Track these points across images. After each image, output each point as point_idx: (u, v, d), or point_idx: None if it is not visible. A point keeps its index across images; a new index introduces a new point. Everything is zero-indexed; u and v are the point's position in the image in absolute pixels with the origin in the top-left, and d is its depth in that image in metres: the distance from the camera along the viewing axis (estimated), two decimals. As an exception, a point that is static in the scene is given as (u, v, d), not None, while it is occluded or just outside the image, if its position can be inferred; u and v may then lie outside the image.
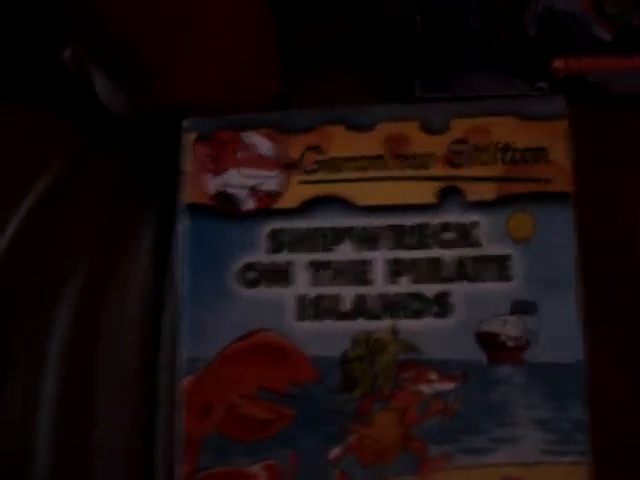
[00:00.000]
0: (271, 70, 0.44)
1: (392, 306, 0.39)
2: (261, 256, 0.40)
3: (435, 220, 0.39)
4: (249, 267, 0.40)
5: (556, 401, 0.37)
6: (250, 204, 0.40)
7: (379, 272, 0.39)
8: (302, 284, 0.40)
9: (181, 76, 0.41)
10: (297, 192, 0.40)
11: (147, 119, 0.43)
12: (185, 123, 0.41)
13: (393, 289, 0.39)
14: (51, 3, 0.41)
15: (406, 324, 0.39)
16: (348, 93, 0.42)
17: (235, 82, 0.42)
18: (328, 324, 0.39)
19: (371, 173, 0.40)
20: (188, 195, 0.41)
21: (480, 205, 0.39)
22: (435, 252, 0.39)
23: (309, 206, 0.40)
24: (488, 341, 0.38)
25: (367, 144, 0.40)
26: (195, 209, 0.41)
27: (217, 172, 0.41)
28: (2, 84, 0.47)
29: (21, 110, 0.47)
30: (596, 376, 0.38)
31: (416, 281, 0.39)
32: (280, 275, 0.40)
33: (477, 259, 0.39)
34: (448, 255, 0.39)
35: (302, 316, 0.39)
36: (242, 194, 0.41)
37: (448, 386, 0.38)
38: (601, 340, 0.38)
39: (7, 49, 0.46)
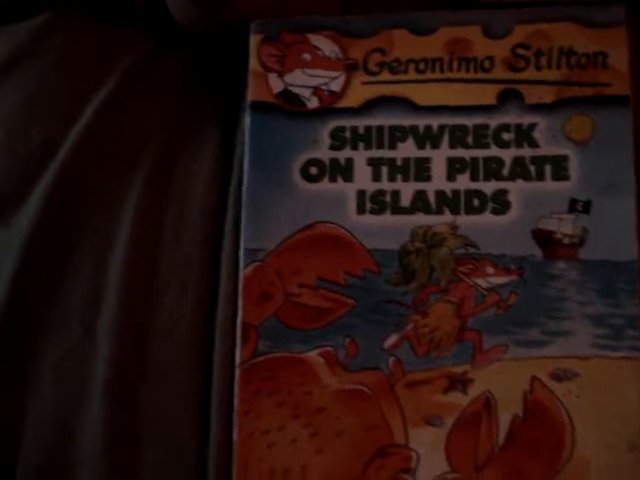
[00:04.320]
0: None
1: (451, 202, 0.36)
2: (323, 152, 0.37)
3: (494, 121, 0.37)
4: (311, 163, 0.37)
5: (609, 297, 0.35)
6: (313, 103, 0.38)
7: (439, 169, 0.37)
8: (363, 179, 0.37)
9: None
10: (360, 92, 0.38)
11: (218, 29, 0.41)
12: (252, 25, 0.39)
13: (452, 186, 0.36)
14: None
15: (464, 220, 0.36)
16: (409, 5, 0.40)
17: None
18: (387, 218, 0.36)
19: (433, 75, 0.37)
20: (253, 94, 0.38)
21: (539, 107, 0.36)
22: (494, 151, 0.36)
23: (371, 106, 0.37)
24: (544, 238, 0.36)
25: (429, 47, 0.37)
26: (260, 107, 0.38)
27: (282, 72, 0.38)
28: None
29: (92, 20, 0.45)
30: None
31: (475, 179, 0.37)
32: (341, 170, 0.37)
33: (535, 159, 0.36)
34: (506, 155, 0.36)
35: (362, 210, 0.37)
36: (306, 93, 0.38)
37: (504, 280, 0.35)
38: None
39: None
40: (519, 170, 0.36)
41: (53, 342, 0.38)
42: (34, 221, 0.39)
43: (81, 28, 0.43)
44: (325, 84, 0.38)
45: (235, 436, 0.35)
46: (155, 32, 0.42)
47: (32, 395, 0.38)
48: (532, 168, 0.36)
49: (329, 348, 0.36)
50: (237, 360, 0.36)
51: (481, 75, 0.37)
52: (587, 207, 0.36)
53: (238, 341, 0.36)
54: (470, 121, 0.37)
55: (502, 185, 0.36)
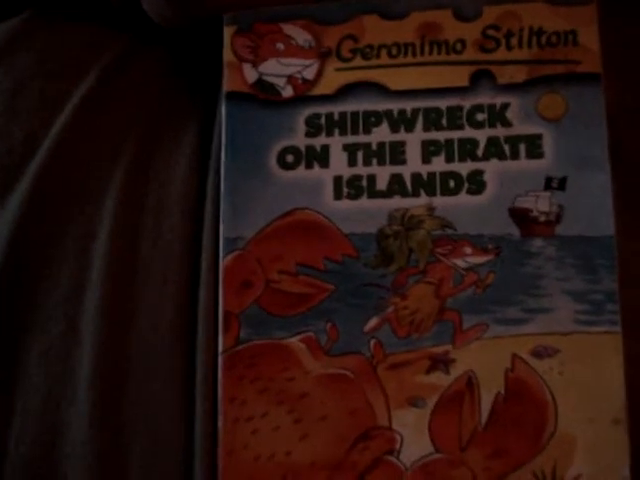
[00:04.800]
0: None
1: (427, 184, 0.36)
2: (299, 140, 0.37)
3: (467, 102, 0.37)
4: (287, 150, 0.37)
5: (588, 273, 0.35)
6: (288, 91, 0.38)
7: (414, 152, 0.37)
8: (339, 165, 0.37)
9: None
10: (333, 79, 0.38)
11: (191, 24, 0.41)
12: (226, 17, 0.39)
13: (428, 168, 0.36)
14: None
15: (441, 201, 0.36)
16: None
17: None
18: (364, 202, 0.36)
19: (405, 59, 0.37)
20: (228, 84, 0.38)
21: (511, 87, 0.36)
22: (468, 132, 0.36)
23: (345, 92, 0.37)
24: (521, 216, 0.35)
25: (401, 32, 0.37)
26: (235, 97, 0.38)
27: (256, 62, 0.38)
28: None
29: (69, 20, 0.45)
30: (624, 252, 0.36)
31: (450, 160, 0.36)
32: (317, 157, 0.37)
33: (509, 138, 0.36)
34: (480, 135, 0.36)
35: (339, 195, 0.37)
36: (280, 82, 0.38)
37: (482, 259, 0.35)
38: (629, 217, 0.36)
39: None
40: (494, 150, 0.36)
41: (38, 337, 0.38)
42: (18, 215, 0.39)
43: (58, 28, 0.44)
44: (299, 72, 0.38)
45: (220, 423, 0.35)
46: (131, 29, 0.43)
47: (20, 390, 0.38)
48: (506, 147, 0.36)
49: (310, 333, 0.36)
50: (220, 348, 0.36)
51: (453, 57, 0.37)
52: (562, 184, 0.36)
53: (220, 329, 0.36)
54: (443, 103, 0.37)
55: (477, 165, 0.36)
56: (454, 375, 0.35)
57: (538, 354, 0.35)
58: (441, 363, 0.35)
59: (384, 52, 0.38)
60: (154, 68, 0.42)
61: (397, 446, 0.35)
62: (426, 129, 0.37)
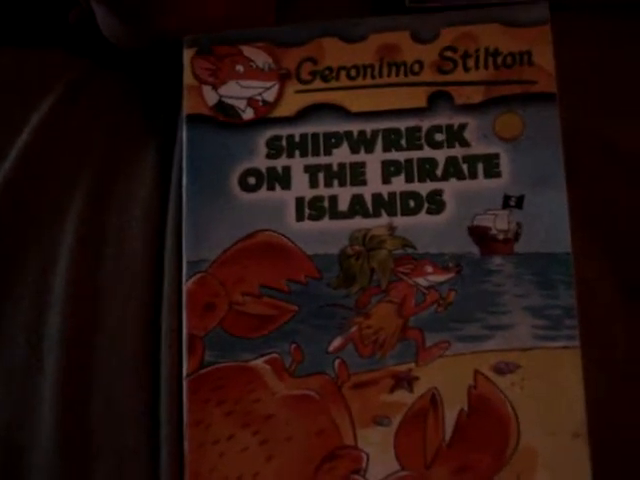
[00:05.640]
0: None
1: (387, 204, 0.37)
2: (260, 162, 0.38)
3: (426, 123, 0.37)
4: (249, 172, 0.37)
5: (546, 289, 0.35)
6: (248, 114, 0.38)
7: (374, 173, 0.37)
8: (300, 187, 0.37)
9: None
10: (293, 101, 0.38)
11: (148, 47, 0.41)
12: (185, 39, 0.39)
13: (388, 188, 0.37)
14: None
15: (401, 221, 0.37)
16: (339, 11, 0.40)
17: (234, 2, 0.40)
18: (326, 223, 0.37)
19: (364, 81, 0.37)
20: (188, 107, 0.38)
21: (468, 107, 0.37)
22: (427, 153, 0.37)
23: (305, 114, 0.38)
24: (480, 235, 0.36)
25: (360, 54, 0.38)
26: (195, 119, 0.38)
27: (216, 84, 0.38)
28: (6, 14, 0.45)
29: (28, 43, 0.44)
30: (581, 268, 0.36)
31: (409, 180, 0.37)
32: (279, 179, 0.37)
33: (466, 158, 0.37)
34: (439, 155, 0.37)
35: (301, 216, 0.37)
36: (240, 104, 0.38)
37: (443, 277, 0.36)
38: (585, 234, 0.37)
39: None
40: (452, 170, 0.37)
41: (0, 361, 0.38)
42: None
43: (16, 52, 0.43)
44: (259, 94, 0.38)
45: (186, 447, 0.35)
46: (91, 53, 0.43)
47: None
48: (465, 167, 0.37)
49: (275, 355, 0.36)
50: (184, 372, 0.36)
51: (411, 79, 0.38)
52: (520, 202, 0.36)
53: (184, 353, 0.36)
54: (402, 124, 0.37)
55: (436, 185, 0.37)
56: (418, 393, 0.35)
57: (500, 370, 0.35)
58: (404, 381, 0.35)
59: (343, 74, 0.38)
60: (112, 92, 0.42)
61: (363, 465, 0.35)
62: (386, 150, 0.37)
